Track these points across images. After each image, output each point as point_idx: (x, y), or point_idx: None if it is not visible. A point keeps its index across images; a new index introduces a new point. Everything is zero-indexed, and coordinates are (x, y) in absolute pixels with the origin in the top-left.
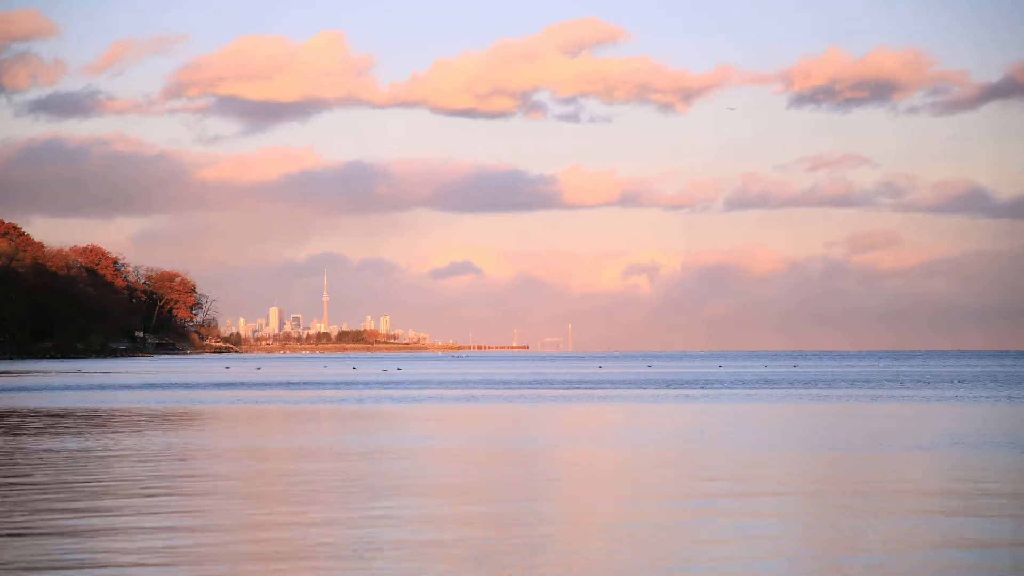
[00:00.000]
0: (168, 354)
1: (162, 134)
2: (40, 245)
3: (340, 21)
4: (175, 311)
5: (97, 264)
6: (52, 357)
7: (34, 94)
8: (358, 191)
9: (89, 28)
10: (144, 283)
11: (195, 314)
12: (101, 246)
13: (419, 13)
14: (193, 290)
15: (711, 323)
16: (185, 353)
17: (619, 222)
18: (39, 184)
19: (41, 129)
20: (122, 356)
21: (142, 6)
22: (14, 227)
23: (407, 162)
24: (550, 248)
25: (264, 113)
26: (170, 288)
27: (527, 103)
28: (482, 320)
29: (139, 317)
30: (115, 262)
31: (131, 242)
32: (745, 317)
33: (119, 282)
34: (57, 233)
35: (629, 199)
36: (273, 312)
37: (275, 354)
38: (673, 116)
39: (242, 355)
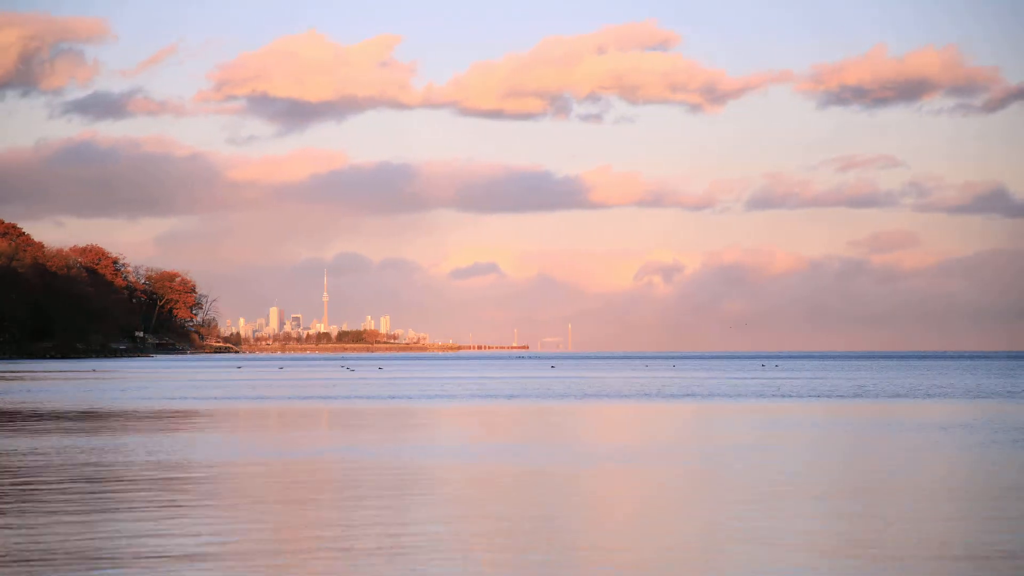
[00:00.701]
0: (168, 354)
1: (196, 135)
2: (40, 245)
3: (388, 22)
4: (175, 311)
5: (97, 264)
6: (52, 357)
7: (73, 95)
8: (385, 192)
9: (135, 30)
10: (144, 283)
11: (195, 314)
12: (122, 247)
13: (467, 15)
14: (193, 290)
15: (725, 323)
16: (185, 353)
17: (640, 222)
18: (69, 184)
19: (76, 130)
20: (122, 356)
21: (188, 9)
22: (14, 227)
23: (435, 163)
24: (570, 248)
25: (300, 114)
26: (170, 288)
27: (556, 104)
28: (494, 320)
29: (139, 317)
30: (115, 262)
31: (155, 243)
32: (760, 317)
33: (119, 282)
34: (83, 233)
35: (654, 199)
36: (273, 312)
37: (275, 354)
38: (703, 116)
39: (243, 355)
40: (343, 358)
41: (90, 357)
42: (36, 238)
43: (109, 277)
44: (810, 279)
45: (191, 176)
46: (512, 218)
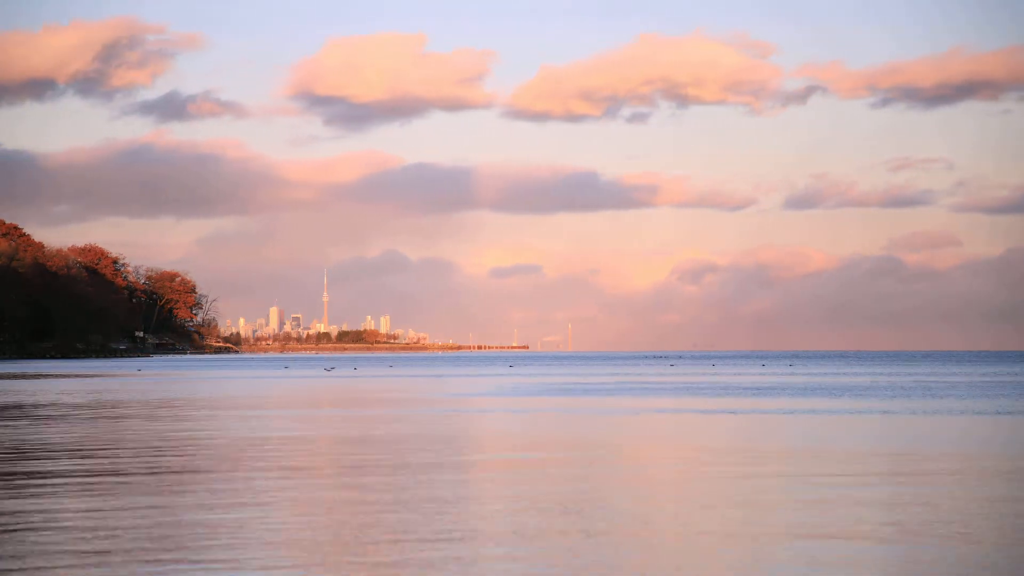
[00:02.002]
0: (168, 354)
1: (255, 137)
2: (40, 245)
3: (453, 24)
4: (175, 311)
5: (97, 264)
6: (52, 357)
7: (141, 97)
8: (431, 192)
9: (205, 34)
10: (144, 283)
11: (195, 314)
12: (165, 248)
13: (544, 16)
14: (193, 290)
15: (749, 322)
16: (185, 353)
17: (679, 223)
18: (124, 185)
19: (142, 131)
20: (122, 356)
21: (256, 12)
22: (14, 227)
23: (484, 164)
24: (608, 249)
25: (358, 116)
26: (170, 288)
27: (606, 106)
28: (521, 319)
29: (139, 317)
30: (115, 262)
31: (197, 244)
32: (786, 317)
33: (119, 282)
34: (128, 234)
35: (699, 200)
36: (273, 312)
37: (276, 354)
38: (756, 117)
39: (244, 355)
40: (349, 358)
41: (90, 357)
42: (88, 239)
43: (109, 277)
44: (839, 279)
45: (241, 178)
46: (555, 219)
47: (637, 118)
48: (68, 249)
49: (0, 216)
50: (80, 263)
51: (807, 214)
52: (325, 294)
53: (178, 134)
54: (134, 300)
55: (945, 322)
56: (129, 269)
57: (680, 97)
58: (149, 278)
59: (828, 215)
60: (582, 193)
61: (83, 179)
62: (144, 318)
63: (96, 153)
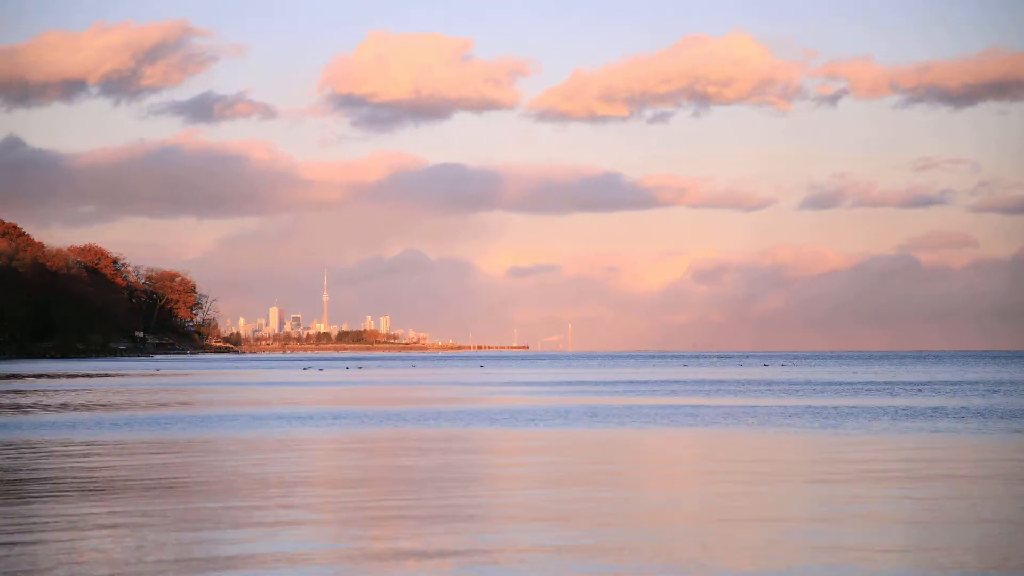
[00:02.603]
0: (168, 354)
1: (283, 137)
2: (40, 245)
3: (485, 26)
4: (175, 311)
5: (97, 264)
6: (52, 357)
7: (171, 97)
8: (453, 193)
9: (240, 37)
10: (144, 283)
11: (195, 314)
12: (185, 248)
13: (582, 18)
14: (193, 290)
15: (757, 323)
16: (185, 353)
17: (698, 222)
18: (148, 185)
19: (172, 132)
20: (122, 356)
21: (294, 14)
22: (14, 227)
23: (507, 165)
24: (623, 249)
25: (387, 116)
26: (170, 288)
27: (630, 108)
28: (532, 319)
29: (139, 317)
30: (115, 262)
31: (217, 244)
32: (796, 316)
33: (119, 282)
34: (143, 233)
35: (721, 200)
36: (273, 312)
37: (276, 354)
38: (780, 117)
39: (248, 355)
40: (352, 358)
41: (90, 357)
42: (109, 238)
43: (109, 277)
44: (852, 279)
45: (265, 178)
46: (575, 219)
47: (660, 119)
48: (68, 249)
49: (25, 215)
50: (80, 263)
51: (826, 214)
52: (325, 294)
53: (207, 135)
54: (134, 300)
55: (957, 322)
56: (129, 269)
57: (704, 97)
58: (149, 278)
59: (846, 215)
60: (603, 194)
61: (108, 179)
62: (144, 318)
63: (122, 154)
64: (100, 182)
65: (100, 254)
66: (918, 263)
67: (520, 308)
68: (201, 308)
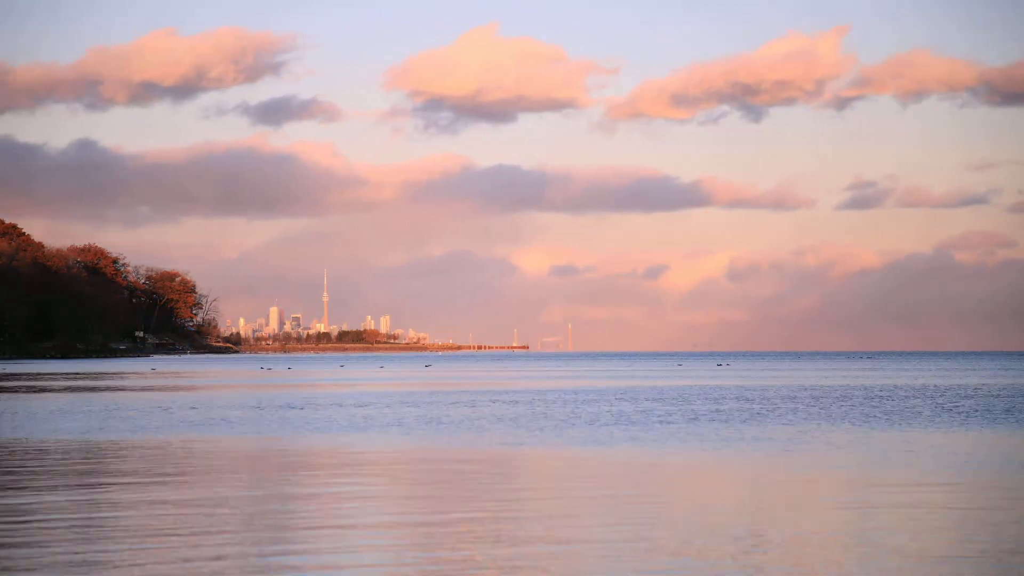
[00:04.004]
0: (168, 354)
1: (343, 138)
2: (40, 245)
3: (560, 29)
4: (175, 311)
5: (97, 264)
6: (52, 357)
7: (237, 100)
8: (503, 194)
9: (317, 38)
10: (144, 283)
11: (195, 314)
12: (230, 248)
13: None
14: (193, 290)
15: (782, 322)
16: (185, 353)
17: (740, 222)
18: (203, 187)
19: (241, 133)
20: (122, 356)
21: (363, 15)
22: (14, 227)
23: (559, 167)
24: (663, 250)
25: (449, 118)
26: (170, 288)
27: (683, 109)
28: (551, 320)
29: (139, 317)
30: (115, 262)
31: (266, 244)
32: (818, 316)
33: (119, 282)
34: (203, 233)
35: (766, 199)
36: (273, 312)
37: (277, 354)
38: (833, 116)
39: (246, 355)
40: (350, 357)
41: (90, 357)
42: (158, 238)
43: (109, 277)
44: (886, 279)
45: (319, 179)
46: (617, 219)
47: (711, 120)
48: (68, 249)
49: (82, 214)
50: (80, 263)
51: (868, 214)
52: (325, 294)
53: (271, 137)
54: (134, 300)
55: (987, 322)
56: (129, 269)
57: (755, 98)
58: (149, 278)
59: (888, 215)
60: (650, 195)
61: (166, 181)
62: (144, 318)
63: (181, 155)
64: (158, 183)
65: (100, 254)
66: (953, 263)
67: (550, 308)
68: (201, 308)
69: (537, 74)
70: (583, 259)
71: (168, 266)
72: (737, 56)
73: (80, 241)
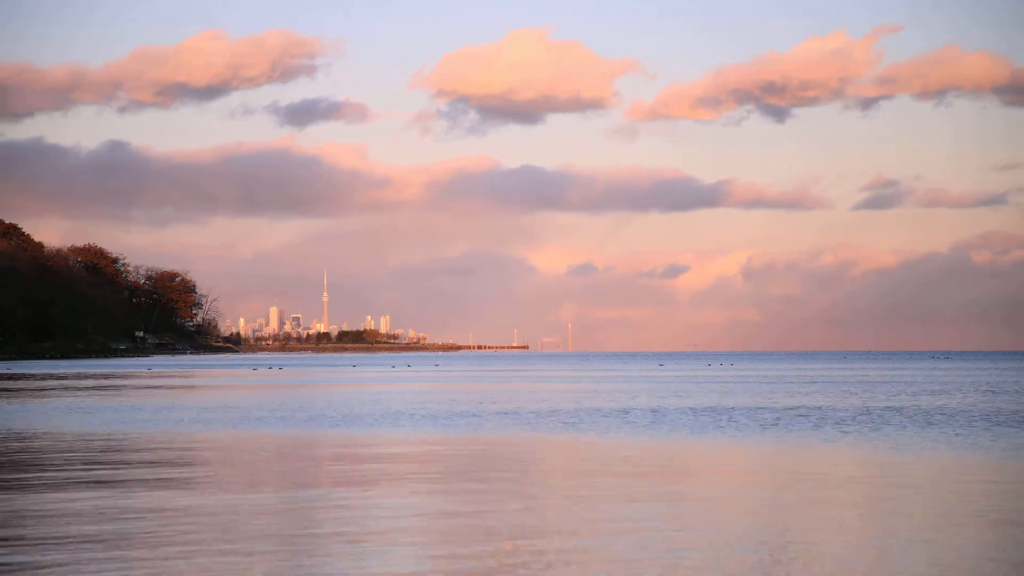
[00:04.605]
0: (168, 354)
1: (371, 138)
2: (40, 245)
3: (589, 27)
4: (175, 311)
5: (97, 264)
6: (52, 357)
7: (267, 101)
8: (525, 194)
9: (349, 39)
10: (144, 283)
11: (195, 314)
12: (255, 247)
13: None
14: (193, 290)
15: (795, 322)
16: (185, 354)
17: (763, 222)
18: (228, 186)
19: (273, 134)
20: (122, 356)
21: (397, 18)
22: (14, 227)
23: (582, 168)
24: (679, 249)
25: (478, 119)
26: (170, 288)
27: (707, 111)
28: (562, 320)
29: (139, 317)
30: (115, 261)
31: (287, 243)
32: (828, 316)
33: (119, 282)
34: (224, 234)
35: (789, 199)
36: (273, 312)
37: (278, 354)
38: (860, 116)
39: (247, 355)
40: (355, 358)
41: (90, 357)
42: (181, 238)
43: (109, 276)
44: (901, 278)
45: (344, 179)
46: (643, 219)
47: (735, 121)
48: (68, 249)
49: (110, 212)
50: (80, 263)
51: (886, 214)
52: (325, 294)
53: (299, 138)
54: (134, 300)
55: (1000, 322)
56: (129, 269)
57: (780, 96)
58: (149, 278)
59: (908, 215)
60: (671, 195)
61: (191, 181)
62: (144, 318)
63: (208, 155)
64: (184, 183)
65: (100, 254)
66: (968, 263)
67: (562, 308)
68: (201, 308)
69: (566, 75)
70: (599, 259)
71: (186, 267)
72: (763, 57)
73: (101, 242)
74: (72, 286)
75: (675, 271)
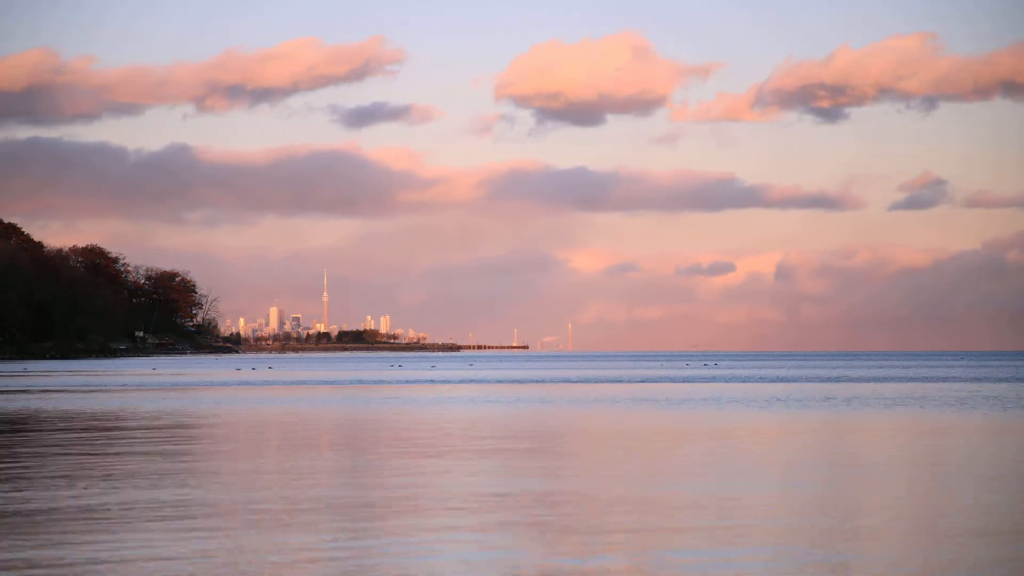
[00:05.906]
0: (168, 354)
1: (425, 141)
2: (40, 245)
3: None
4: (176, 311)
5: (97, 263)
6: (52, 357)
7: (330, 101)
8: (569, 195)
9: (413, 43)
10: (144, 283)
11: (195, 314)
12: (299, 246)
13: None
14: (193, 290)
15: (816, 322)
16: (185, 354)
17: (797, 222)
18: (280, 187)
19: (334, 138)
20: (122, 356)
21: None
22: (14, 227)
23: (629, 169)
24: (714, 248)
25: (536, 121)
26: (170, 288)
27: (755, 111)
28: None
29: (139, 317)
30: (115, 261)
31: (328, 244)
32: (851, 316)
33: (120, 282)
34: (272, 233)
35: (823, 199)
36: (273, 312)
37: (278, 354)
38: (909, 117)
39: (247, 356)
40: (361, 358)
41: (90, 357)
42: (226, 239)
43: (110, 276)
44: (931, 278)
45: (394, 180)
46: (680, 219)
47: (786, 124)
48: (68, 249)
49: (165, 213)
50: (81, 262)
51: (925, 214)
52: (325, 294)
53: (358, 140)
54: (134, 300)
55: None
56: (129, 269)
57: (829, 98)
58: (149, 278)
59: (943, 214)
60: (714, 195)
61: (246, 182)
62: (144, 318)
63: (261, 157)
64: (239, 184)
65: (100, 254)
66: (1002, 262)
67: (584, 309)
68: (201, 308)
69: (624, 76)
70: (634, 259)
71: (222, 268)
72: (810, 60)
73: (147, 241)
74: (72, 286)
75: (711, 270)
